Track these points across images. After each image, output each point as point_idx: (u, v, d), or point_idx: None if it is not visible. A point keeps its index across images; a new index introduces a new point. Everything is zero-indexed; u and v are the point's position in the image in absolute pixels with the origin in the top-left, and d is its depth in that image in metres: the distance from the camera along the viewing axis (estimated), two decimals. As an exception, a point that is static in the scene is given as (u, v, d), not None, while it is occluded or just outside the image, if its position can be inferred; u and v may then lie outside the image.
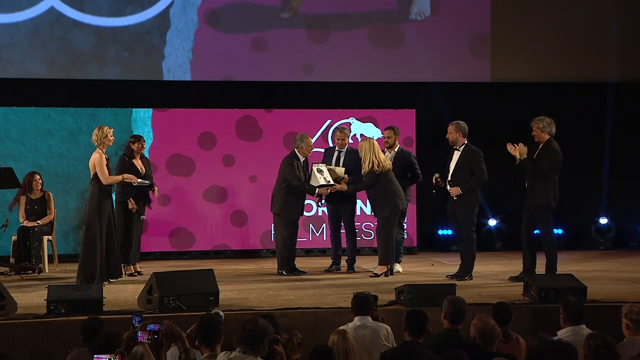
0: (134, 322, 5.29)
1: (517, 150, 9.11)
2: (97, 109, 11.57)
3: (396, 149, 10.05)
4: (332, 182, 9.76)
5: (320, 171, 9.80)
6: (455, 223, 9.56)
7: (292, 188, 9.81)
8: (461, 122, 9.53)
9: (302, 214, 10.16)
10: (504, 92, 13.02)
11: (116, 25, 12.14)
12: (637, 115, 13.35)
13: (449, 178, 9.37)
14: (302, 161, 9.95)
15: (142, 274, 9.60)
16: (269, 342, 4.97)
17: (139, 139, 9.89)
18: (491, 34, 13.00)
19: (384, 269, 9.61)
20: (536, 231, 9.39)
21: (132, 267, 9.82)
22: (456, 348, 5.01)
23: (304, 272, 9.88)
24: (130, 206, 9.65)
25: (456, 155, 9.41)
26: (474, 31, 12.99)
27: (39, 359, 6.75)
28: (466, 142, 9.42)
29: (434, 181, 9.53)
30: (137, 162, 9.80)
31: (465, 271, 9.36)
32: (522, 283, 8.14)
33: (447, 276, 9.41)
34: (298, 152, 9.95)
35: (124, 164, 9.67)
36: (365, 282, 9.23)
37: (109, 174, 9.13)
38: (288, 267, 9.88)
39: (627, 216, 13.25)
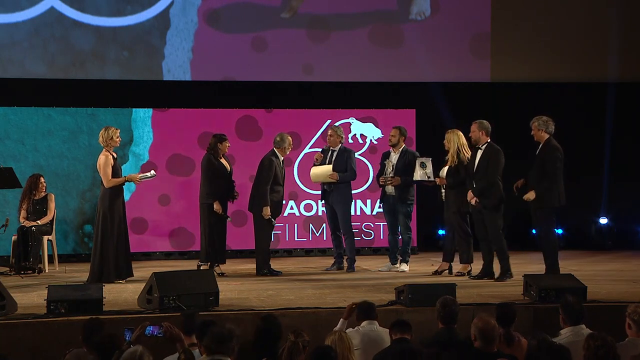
0: (125, 337, 5.26)
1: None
2: (97, 109, 11.57)
3: (401, 149, 10.10)
4: (432, 178, 9.88)
5: (423, 165, 9.92)
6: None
7: (271, 188, 9.88)
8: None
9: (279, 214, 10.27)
10: (504, 92, 13.02)
11: (116, 25, 12.14)
12: (637, 115, 13.35)
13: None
14: (281, 160, 10.01)
15: (225, 275, 9.70)
16: (236, 342, 4.95)
17: (225, 138, 9.87)
18: (491, 34, 13.00)
19: (468, 267, 9.76)
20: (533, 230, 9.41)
21: (219, 267, 9.83)
22: (450, 347, 5.03)
23: (280, 273, 9.92)
24: (215, 208, 9.66)
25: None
26: (474, 31, 12.99)
27: (39, 359, 6.75)
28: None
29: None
30: (224, 161, 9.83)
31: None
32: (523, 283, 8.14)
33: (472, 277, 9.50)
34: (278, 151, 9.99)
35: (210, 164, 9.70)
36: (366, 282, 9.24)
37: (115, 175, 9.17)
38: (269, 266, 9.91)
39: (627, 216, 13.25)
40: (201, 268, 9.61)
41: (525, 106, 12.35)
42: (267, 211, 9.85)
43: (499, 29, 13.01)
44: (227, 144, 9.88)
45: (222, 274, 9.67)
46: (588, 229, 13.13)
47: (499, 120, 12.80)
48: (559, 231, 12.22)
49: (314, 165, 10.33)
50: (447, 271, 9.84)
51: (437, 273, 9.80)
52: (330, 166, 10.11)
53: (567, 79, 13.13)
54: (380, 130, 12.16)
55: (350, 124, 12.04)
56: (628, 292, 8.39)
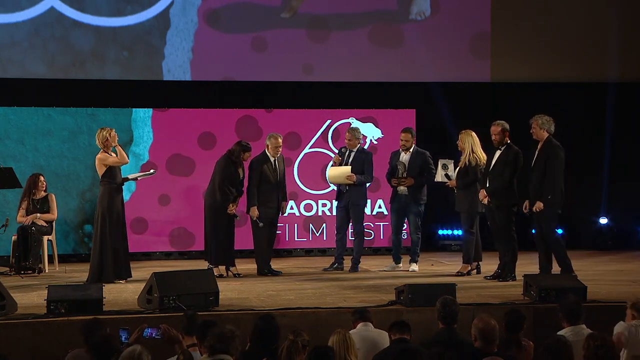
0: (121, 338, 5.25)
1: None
2: (97, 109, 11.57)
3: (412, 150, 10.14)
4: (450, 180, 9.89)
5: (445, 167, 9.91)
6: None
7: (260, 189, 9.86)
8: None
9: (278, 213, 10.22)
10: (504, 92, 13.02)
11: (116, 25, 12.13)
12: (637, 115, 13.34)
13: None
14: (273, 161, 9.95)
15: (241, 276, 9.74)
16: (239, 342, 4.95)
17: (250, 148, 9.82)
18: (491, 34, 13.00)
19: (467, 267, 9.80)
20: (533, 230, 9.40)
21: (234, 268, 9.84)
22: (450, 347, 5.03)
23: (280, 273, 9.92)
24: (229, 210, 9.67)
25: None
26: (474, 31, 12.98)
27: (39, 359, 6.76)
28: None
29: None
30: (240, 170, 9.80)
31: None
32: (523, 283, 8.13)
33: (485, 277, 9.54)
34: (268, 152, 9.96)
35: (227, 168, 9.67)
36: (366, 282, 9.24)
37: (113, 176, 9.18)
38: (269, 266, 9.90)
39: (627, 216, 13.25)
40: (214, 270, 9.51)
41: (525, 106, 12.31)
42: (254, 211, 9.83)
43: (499, 29, 13.01)
44: (249, 155, 9.83)
45: (238, 275, 9.70)
46: (588, 229, 13.12)
47: (498, 120, 12.82)
48: (559, 231, 12.23)
49: (332, 166, 10.29)
50: (474, 271, 9.89)
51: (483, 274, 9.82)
52: (349, 167, 10.10)
53: (567, 79, 13.12)
54: (380, 130, 12.17)
55: (350, 124, 12.03)
56: (628, 292, 8.37)
